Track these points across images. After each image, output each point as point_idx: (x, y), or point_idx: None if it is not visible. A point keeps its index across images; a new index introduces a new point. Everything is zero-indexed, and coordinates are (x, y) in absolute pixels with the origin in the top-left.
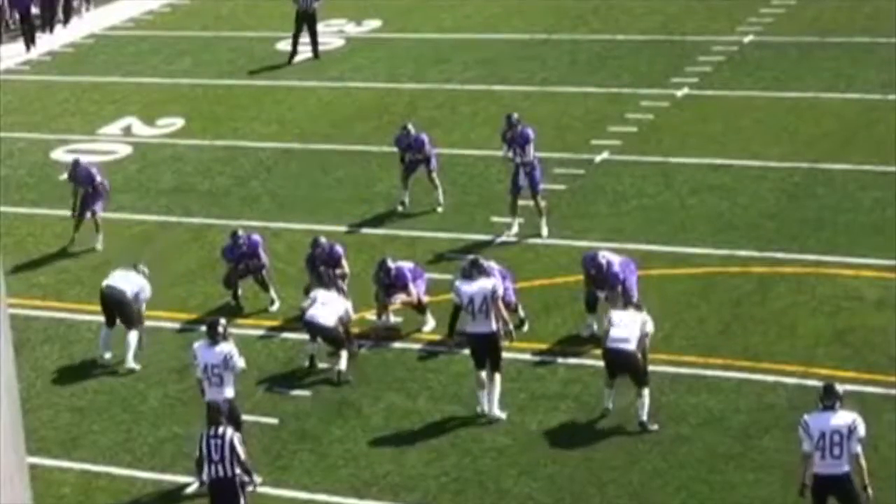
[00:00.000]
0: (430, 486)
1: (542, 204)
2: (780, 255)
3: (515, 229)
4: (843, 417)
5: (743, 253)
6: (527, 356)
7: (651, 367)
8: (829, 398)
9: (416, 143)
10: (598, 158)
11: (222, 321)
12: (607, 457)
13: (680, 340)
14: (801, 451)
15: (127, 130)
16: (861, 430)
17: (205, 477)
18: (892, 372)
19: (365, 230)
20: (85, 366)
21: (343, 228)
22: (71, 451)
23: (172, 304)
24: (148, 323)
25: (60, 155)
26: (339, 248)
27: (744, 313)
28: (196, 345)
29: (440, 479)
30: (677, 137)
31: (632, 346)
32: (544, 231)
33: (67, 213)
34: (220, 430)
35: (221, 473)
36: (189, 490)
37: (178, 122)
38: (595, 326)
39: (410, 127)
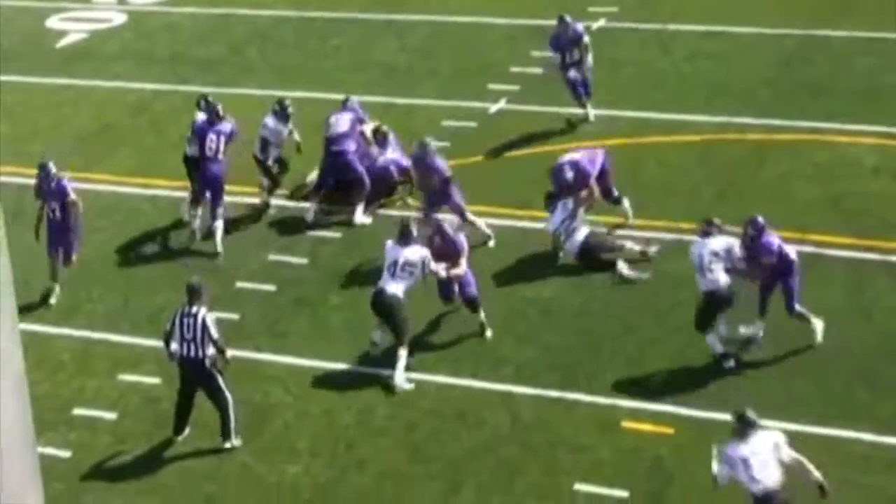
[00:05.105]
0: (427, 353)
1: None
2: (776, 121)
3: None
4: (763, 439)
5: (739, 120)
6: (521, 223)
7: (647, 234)
8: (743, 426)
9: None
10: (595, 25)
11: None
12: (603, 326)
13: (676, 208)
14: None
15: None
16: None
17: (174, 352)
18: (887, 237)
19: (362, 98)
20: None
21: (340, 96)
22: (70, 319)
23: (169, 172)
24: (146, 191)
25: (55, 23)
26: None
27: (739, 180)
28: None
29: (436, 350)
30: (674, 4)
31: None
32: (591, 114)
33: (61, 81)
34: (194, 309)
35: (193, 353)
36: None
37: None
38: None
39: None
